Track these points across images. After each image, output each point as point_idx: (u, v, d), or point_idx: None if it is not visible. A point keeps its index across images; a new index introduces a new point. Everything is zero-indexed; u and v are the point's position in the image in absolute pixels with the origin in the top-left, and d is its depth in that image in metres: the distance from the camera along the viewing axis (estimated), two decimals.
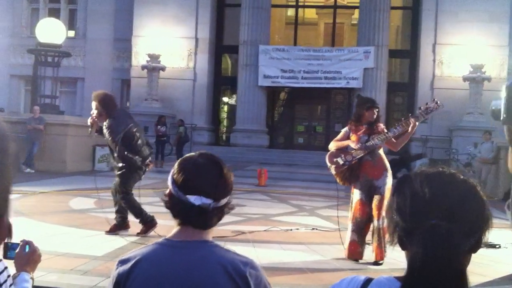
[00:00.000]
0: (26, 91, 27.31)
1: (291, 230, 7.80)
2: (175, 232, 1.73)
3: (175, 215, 1.73)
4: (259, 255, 6.06)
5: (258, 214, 9.36)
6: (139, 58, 25.69)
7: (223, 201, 1.72)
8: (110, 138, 6.83)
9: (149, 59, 24.65)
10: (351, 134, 6.24)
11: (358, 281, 1.29)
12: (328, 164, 6.33)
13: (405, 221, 1.15)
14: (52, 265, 5.18)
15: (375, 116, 6.19)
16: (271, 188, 13.56)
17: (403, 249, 1.19)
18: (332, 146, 6.41)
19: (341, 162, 6.20)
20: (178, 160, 1.78)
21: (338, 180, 6.29)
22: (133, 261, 1.68)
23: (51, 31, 15.29)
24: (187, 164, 1.74)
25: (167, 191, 1.73)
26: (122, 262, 1.71)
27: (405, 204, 1.16)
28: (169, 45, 25.37)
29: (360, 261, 6.08)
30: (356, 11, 26.30)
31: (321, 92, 25.77)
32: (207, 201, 1.66)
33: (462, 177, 1.20)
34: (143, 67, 24.69)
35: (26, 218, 7.58)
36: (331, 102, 27.19)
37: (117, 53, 27.71)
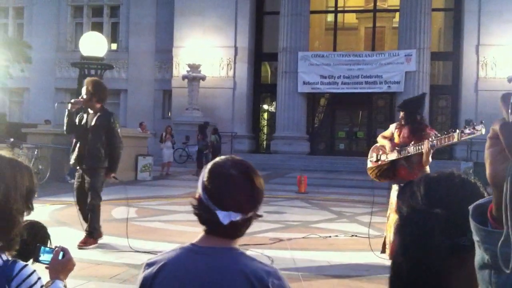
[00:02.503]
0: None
1: (330, 237, 7.73)
2: (201, 238, 1.72)
3: (202, 222, 1.71)
4: (297, 262, 6.04)
5: (298, 221, 9.32)
6: (179, 68, 26.08)
7: (252, 212, 1.69)
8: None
9: (189, 69, 24.98)
10: (395, 132, 6.18)
11: None
12: (368, 157, 6.35)
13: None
14: (92, 273, 5.30)
15: (400, 118, 6.15)
16: (312, 195, 13.47)
17: None
18: (378, 139, 6.43)
19: (375, 158, 6.20)
20: (210, 166, 1.72)
21: (369, 174, 6.31)
22: (159, 265, 1.69)
23: (94, 44, 15.64)
24: (219, 173, 1.69)
25: (197, 195, 1.69)
26: (149, 265, 1.72)
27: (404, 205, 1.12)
28: (209, 55, 25.66)
29: None
30: (397, 14, 25.97)
31: (362, 97, 25.53)
32: (236, 216, 1.63)
33: (462, 177, 1.13)
34: (184, 77, 25.03)
35: (68, 227, 7.76)
36: (372, 107, 26.88)
37: (159, 64, 28.21)
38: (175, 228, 8.33)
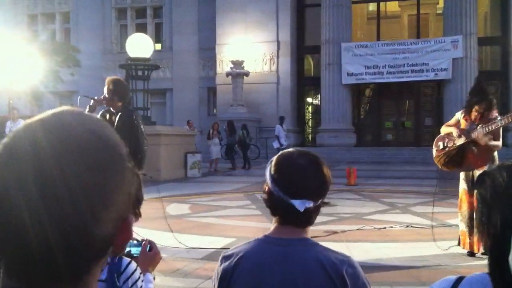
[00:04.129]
0: None
1: (385, 228, 7.69)
2: (274, 229, 1.77)
3: (274, 214, 1.77)
4: (353, 254, 6.02)
5: (350, 213, 9.29)
6: (223, 65, 26.28)
7: (321, 200, 1.75)
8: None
9: (233, 65, 25.14)
10: (462, 119, 6.08)
11: (449, 281, 1.27)
12: (433, 147, 6.26)
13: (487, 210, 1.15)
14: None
15: (476, 114, 5.92)
16: (362, 187, 13.39)
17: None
18: (442, 130, 6.31)
19: (441, 146, 6.11)
20: (276, 158, 1.77)
21: (436, 163, 6.20)
22: (236, 257, 1.75)
23: (140, 45, 15.94)
24: (287, 165, 1.74)
25: (266, 188, 1.74)
26: (226, 258, 1.79)
27: (486, 194, 1.16)
28: (251, 51, 25.76)
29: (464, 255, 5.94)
30: (441, 0, 25.44)
31: (408, 86, 25.15)
32: (310, 204, 1.68)
33: None
34: (228, 74, 25.22)
35: None
36: (420, 95, 26.42)
37: (202, 62, 28.50)
38: (228, 223, 8.44)
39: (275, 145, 20.31)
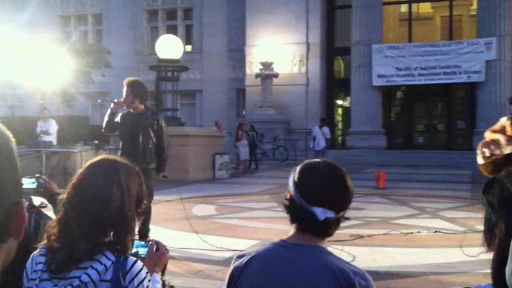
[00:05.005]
0: (150, 106, 28.86)
1: (412, 233, 7.53)
2: (292, 235, 1.77)
3: (293, 221, 1.76)
4: (378, 259, 5.93)
5: (377, 217, 9.14)
6: (252, 67, 26.30)
7: (343, 212, 1.73)
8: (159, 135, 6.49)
9: (262, 67, 25.14)
10: (508, 126, 5.91)
11: None
12: (477, 152, 6.08)
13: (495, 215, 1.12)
14: (176, 269, 5.44)
15: None
16: (390, 190, 13.19)
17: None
18: (487, 135, 6.13)
19: (487, 153, 5.92)
20: (301, 166, 1.78)
21: (482, 171, 6.02)
22: (248, 257, 1.76)
23: (170, 47, 16.03)
24: (312, 173, 1.75)
25: (288, 195, 1.75)
26: (239, 257, 1.81)
27: (494, 200, 1.14)
28: (281, 52, 25.71)
29: None
30: (475, 2, 24.97)
31: (440, 88, 24.75)
32: (331, 214, 1.67)
33: None
34: (257, 75, 25.23)
35: (152, 225, 7.99)
36: (452, 98, 25.94)
37: (232, 64, 28.58)
38: (253, 225, 8.40)
39: (311, 145, 20.30)
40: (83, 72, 23.07)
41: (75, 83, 22.89)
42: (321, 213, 1.66)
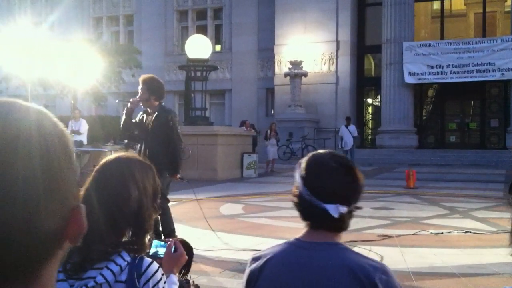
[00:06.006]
0: (180, 105, 29.14)
1: (442, 233, 7.38)
2: (305, 233, 1.71)
3: (305, 218, 1.70)
4: (407, 260, 5.83)
5: (407, 217, 9.00)
6: (282, 66, 26.24)
7: (354, 204, 1.68)
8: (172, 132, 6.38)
9: (291, 66, 25.05)
10: None
11: None
12: None
13: None
14: (203, 268, 5.44)
15: None
16: (421, 190, 12.98)
17: None
18: None
19: None
20: (306, 160, 1.71)
21: None
22: (264, 259, 1.71)
23: (199, 47, 16.09)
24: (319, 167, 1.68)
25: (296, 192, 1.68)
26: (255, 259, 1.75)
27: None
28: (310, 50, 25.58)
29: None
30: None
31: (473, 86, 24.27)
32: (344, 209, 1.62)
33: None
34: (286, 74, 25.15)
35: (180, 224, 8.03)
36: (485, 96, 25.44)
37: (261, 63, 28.55)
38: (280, 224, 8.36)
39: (339, 145, 20.17)
40: (114, 72, 23.36)
41: (106, 83, 23.18)
42: (334, 209, 1.61)
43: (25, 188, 0.61)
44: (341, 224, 1.67)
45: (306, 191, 1.64)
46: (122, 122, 6.43)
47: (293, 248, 1.70)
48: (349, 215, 1.67)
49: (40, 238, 0.63)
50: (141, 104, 6.30)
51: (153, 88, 6.25)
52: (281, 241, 5.84)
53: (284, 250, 1.71)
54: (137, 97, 6.27)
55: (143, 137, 6.34)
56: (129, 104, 6.30)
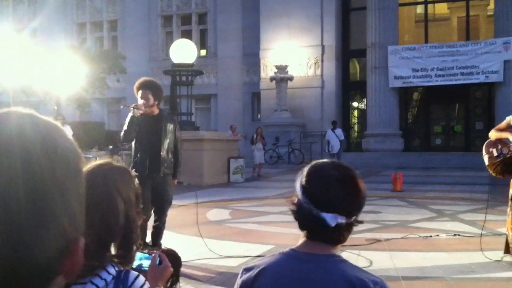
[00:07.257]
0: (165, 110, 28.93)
1: (431, 236, 7.36)
2: (302, 244, 1.65)
3: (302, 227, 1.64)
4: (396, 264, 5.78)
5: (395, 220, 8.98)
6: (267, 70, 26.23)
7: (355, 217, 1.62)
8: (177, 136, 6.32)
9: (276, 70, 25.05)
10: None
11: None
12: (483, 152, 5.86)
13: None
14: (190, 276, 5.34)
15: None
16: (408, 193, 12.99)
17: None
18: (492, 134, 5.90)
19: (495, 153, 5.70)
20: (308, 168, 1.66)
21: (490, 171, 5.81)
22: (257, 270, 1.65)
23: (184, 51, 15.99)
24: (320, 176, 1.63)
25: (295, 200, 1.63)
26: (247, 270, 1.69)
27: None
28: (295, 55, 25.61)
29: None
30: (492, 2, 24.71)
31: (457, 89, 24.44)
32: (342, 219, 1.56)
33: None
34: (272, 79, 25.14)
35: (166, 230, 7.92)
36: (470, 99, 25.63)
37: (246, 68, 28.54)
38: (269, 230, 8.29)
39: (326, 149, 20.13)
40: (99, 78, 23.17)
41: (90, 89, 22.98)
42: (331, 219, 1.55)
43: (5, 218, 0.53)
44: (338, 236, 1.60)
45: (305, 200, 1.59)
46: (124, 131, 6.13)
47: (289, 259, 1.64)
48: (348, 227, 1.60)
49: (25, 274, 0.55)
50: (145, 110, 6.02)
51: (157, 93, 6.07)
52: (269, 247, 5.73)
53: (279, 261, 1.64)
54: (141, 102, 6.00)
55: (147, 143, 6.10)
56: (135, 110, 6.05)
